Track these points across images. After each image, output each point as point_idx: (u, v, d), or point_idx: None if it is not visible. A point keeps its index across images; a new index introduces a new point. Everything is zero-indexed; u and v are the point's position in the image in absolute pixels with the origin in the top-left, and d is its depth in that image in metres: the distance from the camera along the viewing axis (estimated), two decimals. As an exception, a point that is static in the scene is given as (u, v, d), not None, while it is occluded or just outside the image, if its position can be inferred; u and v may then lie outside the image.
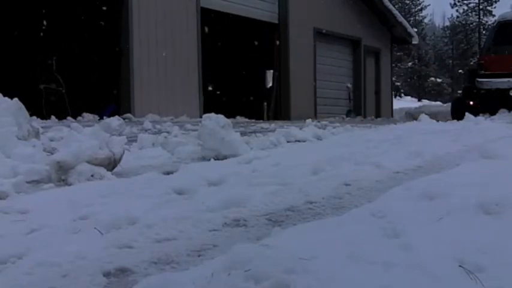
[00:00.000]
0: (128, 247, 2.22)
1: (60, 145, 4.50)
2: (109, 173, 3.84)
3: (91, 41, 13.20)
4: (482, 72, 13.39)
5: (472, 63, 43.08)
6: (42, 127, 5.85)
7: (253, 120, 12.74)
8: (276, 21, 15.30)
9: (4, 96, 4.86)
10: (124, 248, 2.21)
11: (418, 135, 7.04)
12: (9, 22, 12.82)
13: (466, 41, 51.45)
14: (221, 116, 5.19)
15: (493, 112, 12.52)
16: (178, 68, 11.75)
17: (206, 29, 12.63)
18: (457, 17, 52.87)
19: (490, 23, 46.40)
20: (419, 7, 53.83)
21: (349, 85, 18.22)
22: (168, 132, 7.01)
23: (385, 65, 20.37)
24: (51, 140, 5.43)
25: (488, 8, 51.23)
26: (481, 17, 51.36)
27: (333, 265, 1.80)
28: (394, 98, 23.68)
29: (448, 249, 1.96)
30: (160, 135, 6.34)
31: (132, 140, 5.67)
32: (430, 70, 48.78)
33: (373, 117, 18.35)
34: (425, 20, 55.89)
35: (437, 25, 60.57)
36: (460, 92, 20.18)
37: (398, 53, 39.79)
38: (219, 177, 3.64)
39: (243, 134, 6.26)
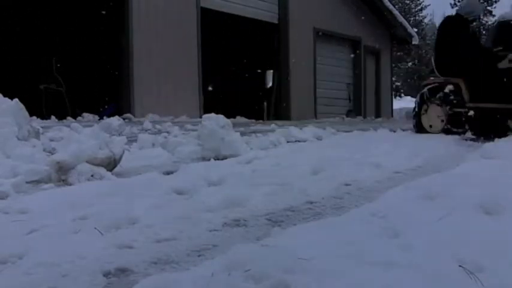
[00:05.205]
0: (128, 247, 2.22)
1: (60, 145, 4.50)
2: (109, 173, 3.84)
3: (91, 41, 13.20)
4: None
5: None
6: (42, 127, 5.84)
7: (253, 120, 12.73)
8: (276, 21, 15.29)
9: (4, 96, 4.85)
10: (124, 248, 2.21)
11: (418, 135, 7.05)
12: (9, 22, 12.82)
13: (466, 41, 51.29)
14: (221, 116, 5.19)
15: None
16: (178, 68, 11.74)
17: (206, 29, 12.62)
18: (457, 17, 52.75)
19: (490, 23, 46.34)
20: (419, 7, 53.70)
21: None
22: (168, 132, 7.01)
23: (385, 65, 20.37)
24: (51, 140, 5.42)
25: (488, 8, 51.16)
26: (481, 17, 51.29)
27: (333, 265, 1.79)
28: (394, 98, 23.67)
29: (448, 249, 1.95)
30: (160, 135, 6.34)
31: (132, 140, 5.66)
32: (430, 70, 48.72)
33: (373, 117, 18.36)
34: (425, 20, 55.74)
35: (437, 25, 60.47)
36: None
37: (398, 53, 39.70)
38: (219, 177, 3.64)
39: (243, 134, 6.26)
